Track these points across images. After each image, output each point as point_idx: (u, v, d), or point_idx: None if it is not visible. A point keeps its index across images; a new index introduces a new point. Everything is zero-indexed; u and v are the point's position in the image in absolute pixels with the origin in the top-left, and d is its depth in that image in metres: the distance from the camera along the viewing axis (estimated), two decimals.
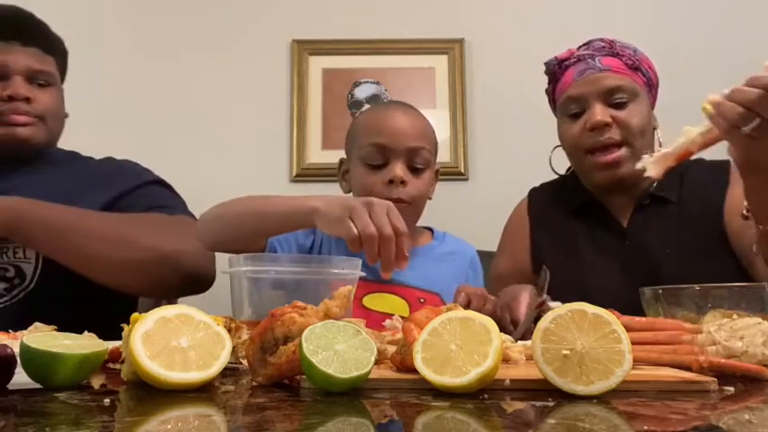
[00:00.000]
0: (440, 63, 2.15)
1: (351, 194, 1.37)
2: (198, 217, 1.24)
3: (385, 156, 1.27)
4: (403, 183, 1.27)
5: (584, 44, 1.33)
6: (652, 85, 1.32)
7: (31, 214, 1.09)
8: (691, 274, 0.99)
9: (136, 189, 1.29)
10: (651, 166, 1.01)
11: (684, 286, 0.86)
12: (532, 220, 1.42)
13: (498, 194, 2.01)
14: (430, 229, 1.44)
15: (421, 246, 1.36)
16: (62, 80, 1.37)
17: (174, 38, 2.15)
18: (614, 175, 1.27)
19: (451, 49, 2.14)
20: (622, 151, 1.25)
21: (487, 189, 2.06)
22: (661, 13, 2.15)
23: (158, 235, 1.15)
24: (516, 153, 2.08)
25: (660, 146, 1.31)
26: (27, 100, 1.24)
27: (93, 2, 2.16)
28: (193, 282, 1.16)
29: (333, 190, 2.05)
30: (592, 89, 1.26)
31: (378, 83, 2.14)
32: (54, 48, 1.33)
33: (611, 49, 1.28)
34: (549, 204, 1.42)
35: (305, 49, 2.14)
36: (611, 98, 1.25)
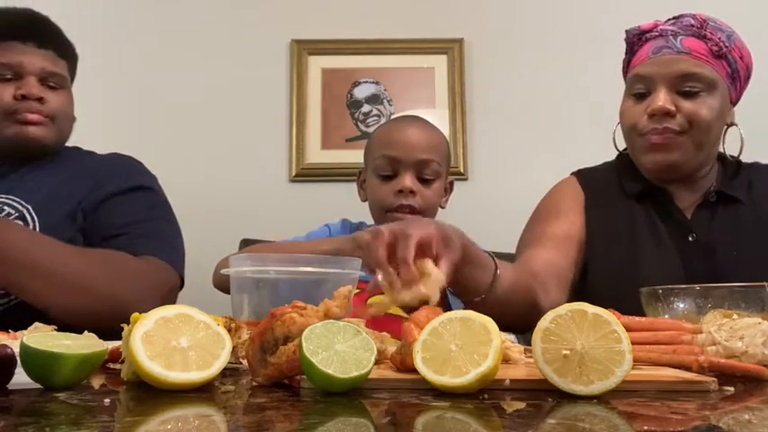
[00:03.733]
0: (439, 63, 2.15)
1: (367, 203, 1.47)
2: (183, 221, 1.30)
3: (395, 167, 1.36)
4: (412, 193, 1.35)
5: (673, 17, 1.20)
6: (738, 78, 1.19)
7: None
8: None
9: (124, 194, 1.28)
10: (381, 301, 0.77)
11: (684, 286, 0.86)
12: (587, 197, 1.29)
13: (498, 194, 2.02)
14: None
15: None
16: (71, 84, 1.38)
17: (174, 37, 2.15)
18: (665, 159, 1.17)
19: (451, 49, 2.14)
20: (679, 137, 1.15)
21: (487, 189, 2.06)
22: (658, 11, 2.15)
23: (113, 278, 1.12)
24: (516, 153, 2.09)
25: (742, 143, 1.21)
26: (40, 100, 1.26)
27: (92, 2, 2.16)
28: None
29: (332, 190, 2.07)
30: (662, 71, 1.14)
31: (377, 83, 2.14)
32: (67, 52, 1.35)
33: (699, 29, 1.15)
34: (604, 186, 1.30)
35: (304, 48, 2.14)
36: (682, 85, 1.14)
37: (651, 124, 1.16)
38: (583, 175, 1.34)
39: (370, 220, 1.51)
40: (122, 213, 1.25)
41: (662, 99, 1.13)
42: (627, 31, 1.23)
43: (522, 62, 2.14)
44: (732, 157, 1.26)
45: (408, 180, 1.34)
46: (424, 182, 1.37)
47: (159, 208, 1.32)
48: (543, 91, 2.12)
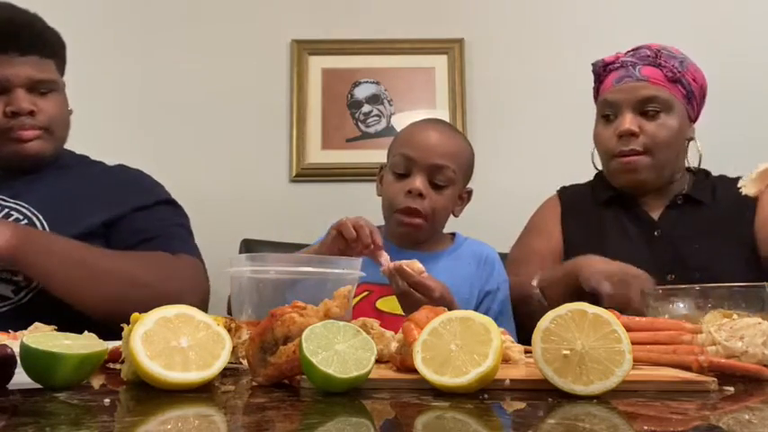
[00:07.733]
0: (440, 63, 2.14)
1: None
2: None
3: (409, 167, 1.34)
4: (421, 196, 1.32)
5: (631, 49, 1.37)
6: (693, 98, 1.34)
7: (37, 241, 1.08)
8: (718, 271, 1.12)
9: (148, 208, 1.29)
10: (750, 183, 0.97)
11: (684, 286, 0.86)
12: (563, 209, 1.46)
13: (498, 194, 2.02)
14: (454, 234, 1.49)
15: (438, 251, 1.40)
16: (62, 73, 1.33)
17: (174, 37, 2.15)
18: (633, 179, 1.33)
19: (451, 49, 2.14)
20: (642, 158, 1.30)
21: (487, 189, 2.05)
22: (657, 11, 2.15)
23: (160, 275, 1.16)
24: (516, 153, 2.08)
25: (699, 155, 1.37)
26: (31, 113, 1.22)
27: (91, 1, 2.16)
28: None
29: (332, 190, 2.07)
30: (626, 97, 1.31)
31: (377, 83, 2.14)
32: (52, 49, 1.29)
33: (654, 59, 1.32)
34: (580, 197, 1.47)
35: (304, 49, 2.14)
36: (644, 107, 1.30)
37: (619, 146, 1.32)
38: (564, 191, 1.51)
39: (375, 220, 1.50)
40: (152, 221, 1.27)
41: (627, 121, 1.29)
42: (593, 64, 1.40)
43: (522, 62, 2.14)
44: (695, 168, 1.40)
45: (419, 182, 1.32)
46: (436, 187, 1.34)
47: (184, 219, 1.34)
48: (543, 91, 2.11)
